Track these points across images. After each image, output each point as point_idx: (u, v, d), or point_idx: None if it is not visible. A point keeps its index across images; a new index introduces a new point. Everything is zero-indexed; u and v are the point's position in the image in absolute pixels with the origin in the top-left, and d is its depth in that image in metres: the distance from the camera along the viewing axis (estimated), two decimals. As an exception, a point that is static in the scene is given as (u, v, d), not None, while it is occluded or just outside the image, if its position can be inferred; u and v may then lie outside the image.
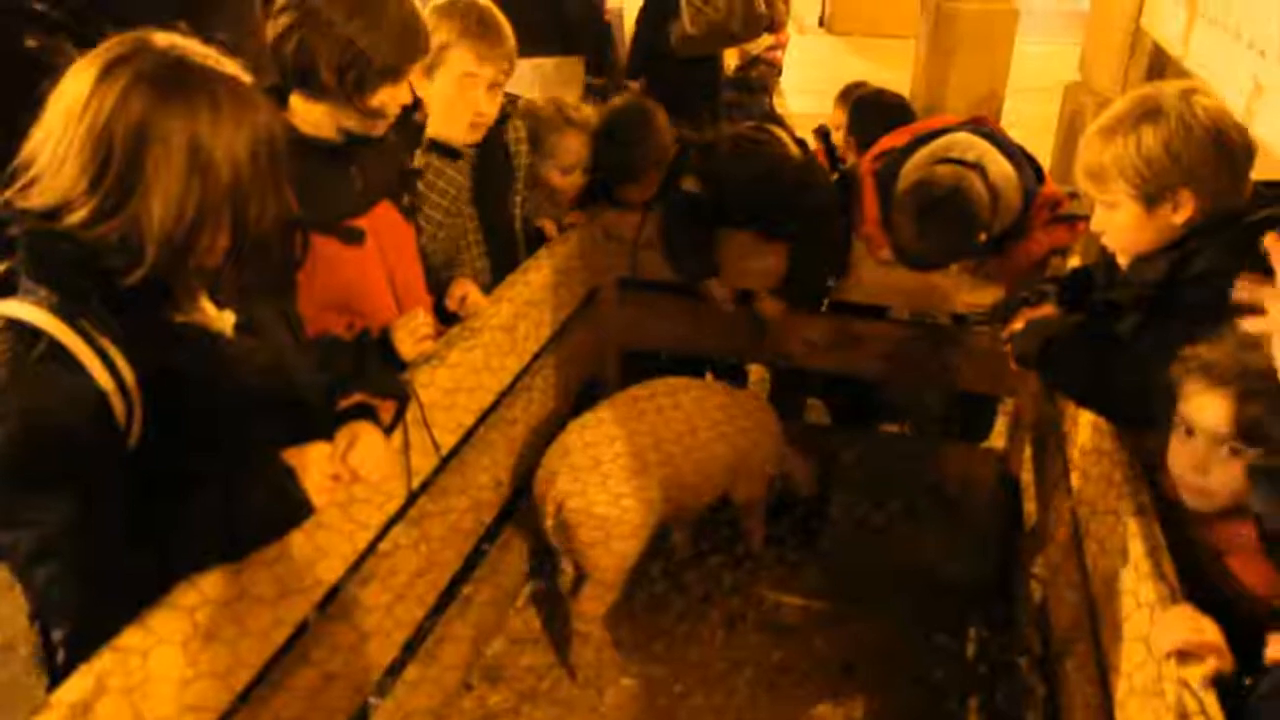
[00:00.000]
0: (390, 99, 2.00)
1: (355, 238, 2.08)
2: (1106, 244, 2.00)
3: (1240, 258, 1.59)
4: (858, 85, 3.95)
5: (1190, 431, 1.62)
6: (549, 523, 2.54)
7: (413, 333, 2.08)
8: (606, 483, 2.50)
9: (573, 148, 2.91)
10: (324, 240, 1.99)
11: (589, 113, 2.99)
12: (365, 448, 1.66)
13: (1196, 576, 1.61)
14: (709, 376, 3.75)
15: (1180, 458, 1.65)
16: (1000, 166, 2.63)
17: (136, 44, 1.31)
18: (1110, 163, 1.84)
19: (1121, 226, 1.89)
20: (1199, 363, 1.59)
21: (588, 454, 2.54)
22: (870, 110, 3.38)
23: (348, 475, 1.66)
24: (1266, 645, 1.40)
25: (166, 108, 1.27)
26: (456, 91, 2.38)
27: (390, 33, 1.92)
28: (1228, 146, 1.78)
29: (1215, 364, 1.57)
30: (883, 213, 2.82)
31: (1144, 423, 1.82)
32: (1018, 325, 2.23)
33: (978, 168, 2.58)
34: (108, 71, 1.27)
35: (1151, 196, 1.82)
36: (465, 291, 2.38)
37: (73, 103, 1.26)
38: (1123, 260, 1.99)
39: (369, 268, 2.12)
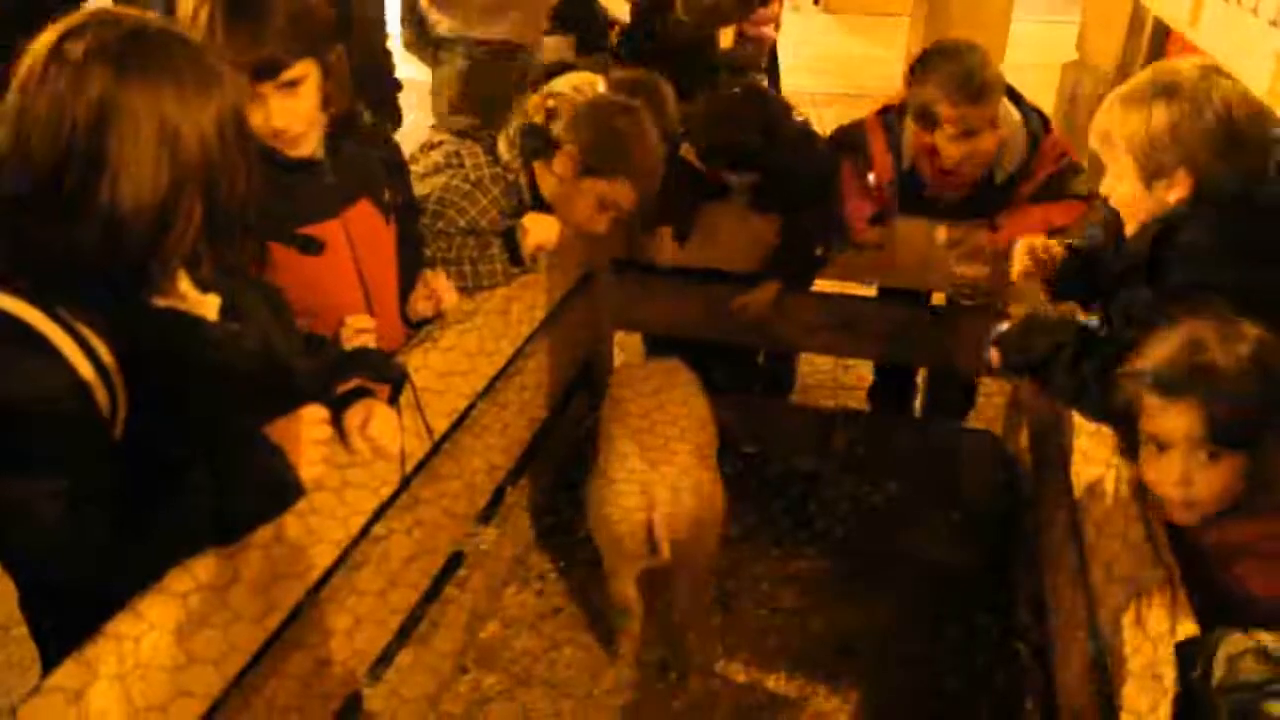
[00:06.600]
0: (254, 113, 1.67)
1: (312, 248, 1.92)
2: (1113, 205, 2.02)
3: (1219, 238, 1.70)
4: None
5: (1162, 446, 1.58)
6: (661, 546, 2.35)
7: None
8: (686, 480, 2.41)
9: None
10: (280, 248, 1.87)
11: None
12: (382, 420, 1.67)
13: (1205, 582, 1.57)
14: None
15: (1158, 474, 1.61)
16: (1004, 107, 2.69)
17: (91, 18, 1.26)
18: (1119, 133, 1.86)
19: (1122, 195, 1.94)
20: (1152, 377, 1.56)
21: (661, 466, 2.43)
22: None
23: (369, 450, 1.68)
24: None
25: (127, 83, 1.22)
26: None
27: (268, 23, 1.68)
28: (1236, 133, 1.76)
29: (1167, 374, 1.54)
30: (894, 160, 2.87)
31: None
32: (1003, 325, 2.14)
33: None
34: (61, 47, 1.22)
35: (1151, 173, 1.84)
36: (440, 286, 2.24)
37: (27, 82, 1.22)
38: (1130, 226, 1.99)
39: (338, 271, 1.99)
